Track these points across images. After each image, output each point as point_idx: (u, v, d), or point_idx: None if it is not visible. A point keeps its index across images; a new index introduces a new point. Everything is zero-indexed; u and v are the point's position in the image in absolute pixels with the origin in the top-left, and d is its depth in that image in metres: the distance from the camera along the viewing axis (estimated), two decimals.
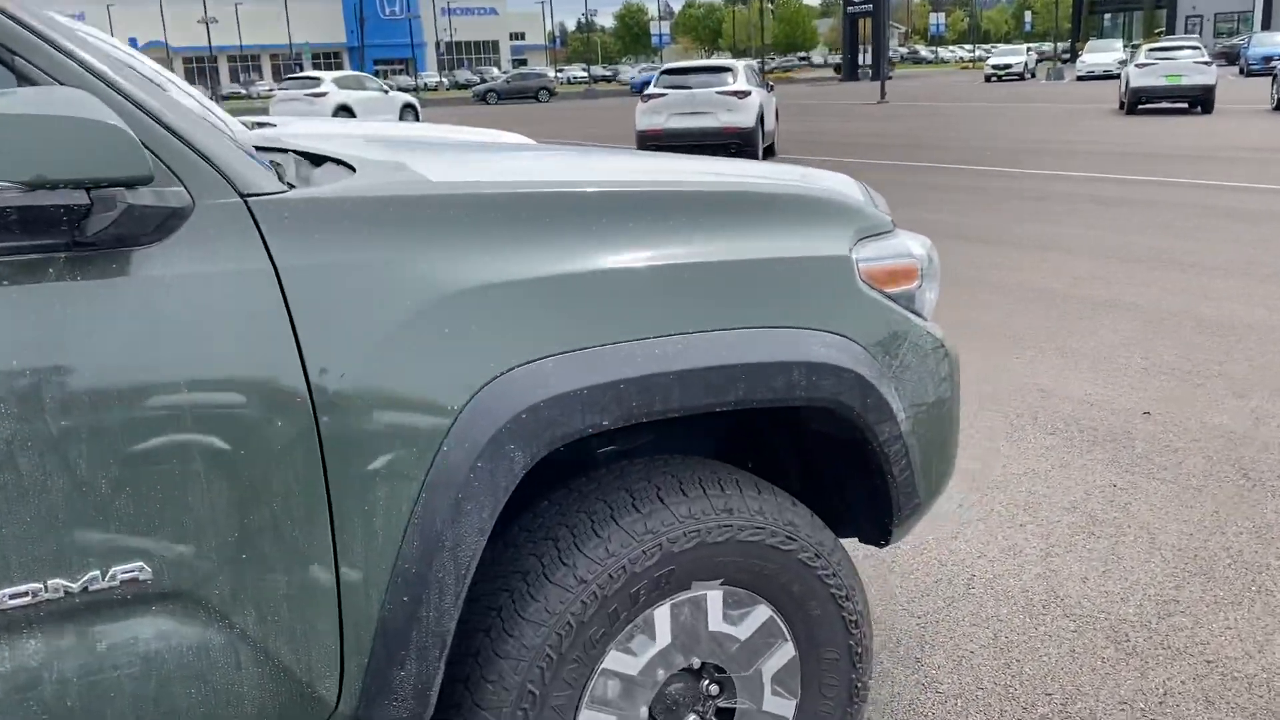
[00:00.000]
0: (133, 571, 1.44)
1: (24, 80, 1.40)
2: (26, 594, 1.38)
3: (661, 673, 1.91)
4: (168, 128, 1.48)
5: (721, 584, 1.91)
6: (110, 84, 1.45)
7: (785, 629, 2.01)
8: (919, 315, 2.12)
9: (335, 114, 26.57)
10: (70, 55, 1.43)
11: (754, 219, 1.92)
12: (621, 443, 2.12)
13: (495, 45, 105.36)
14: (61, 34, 1.46)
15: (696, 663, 1.95)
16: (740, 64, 17.12)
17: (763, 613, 1.98)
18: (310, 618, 1.56)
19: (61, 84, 1.40)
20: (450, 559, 1.61)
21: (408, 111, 29.28)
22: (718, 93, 15.88)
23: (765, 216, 1.94)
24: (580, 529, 1.81)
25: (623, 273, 1.74)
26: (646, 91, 16.72)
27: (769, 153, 18.04)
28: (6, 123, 1.25)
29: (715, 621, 1.93)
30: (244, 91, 73.54)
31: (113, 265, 1.41)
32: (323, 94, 26.98)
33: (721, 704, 2.01)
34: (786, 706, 2.05)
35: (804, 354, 1.87)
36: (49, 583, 1.39)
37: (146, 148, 1.44)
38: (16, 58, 1.40)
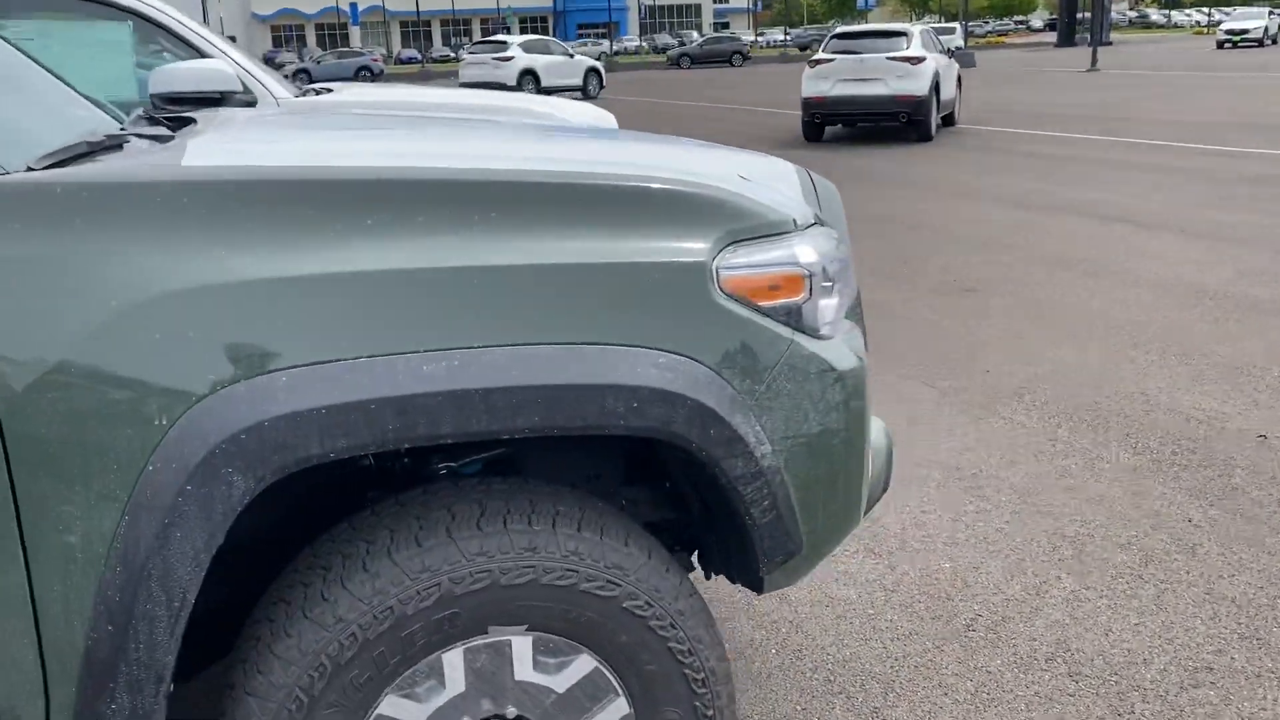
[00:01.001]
0: None
1: None
2: None
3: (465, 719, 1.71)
4: None
5: (528, 630, 1.69)
6: None
7: (616, 683, 1.77)
8: (806, 333, 1.81)
9: (520, 78, 27.12)
10: None
11: (579, 215, 1.66)
12: (466, 459, 1.92)
13: (697, 9, 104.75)
14: None
15: (512, 711, 1.74)
16: (916, 29, 16.26)
17: (586, 663, 1.74)
18: (6, 642, 1.44)
19: None
20: (160, 588, 1.46)
21: (591, 76, 29.47)
22: (888, 58, 15.11)
23: (594, 212, 1.67)
24: (351, 560, 1.62)
25: (393, 275, 1.53)
26: (814, 57, 16.13)
27: (948, 122, 17.12)
28: None
29: (523, 671, 1.71)
30: (453, 55, 75.97)
31: None
32: (509, 58, 27.51)
33: None
34: None
35: (622, 376, 1.61)
36: None
37: None
38: None
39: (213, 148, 1.76)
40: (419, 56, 68.65)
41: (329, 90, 4.90)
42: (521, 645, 1.70)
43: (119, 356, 1.42)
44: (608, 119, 5.03)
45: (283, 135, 1.98)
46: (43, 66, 2.53)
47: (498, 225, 1.61)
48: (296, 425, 1.46)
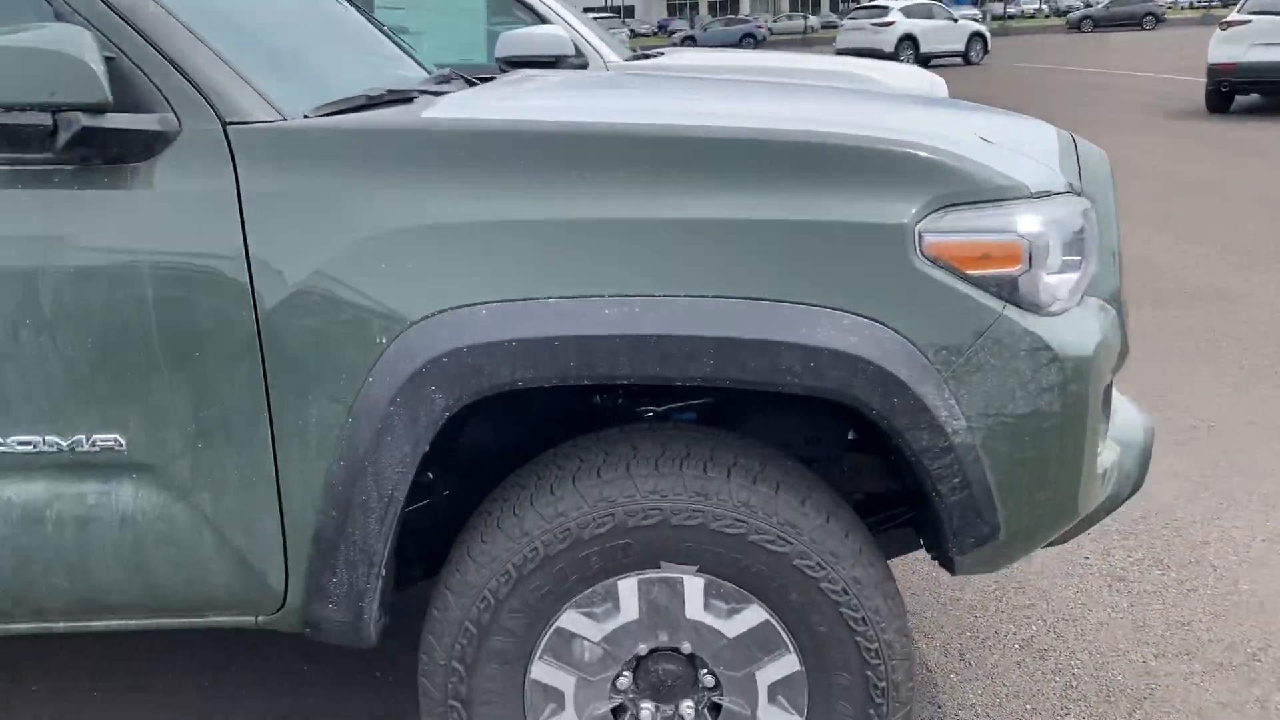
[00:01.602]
0: (110, 441, 1.70)
1: (59, 17, 1.67)
2: (30, 444, 1.70)
3: (639, 647, 1.81)
4: (168, 56, 1.67)
5: (699, 571, 1.75)
6: (127, 20, 1.66)
7: (787, 638, 1.79)
8: (1023, 306, 1.70)
9: (899, 44, 26.43)
10: None
11: (776, 172, 1.67)
12: (668, 404, 2.00)
13: None
14: None
15: (686, 647, 1.82)
16: None
17: (756, 614, 1.78)
18: (257, 513, 1.73)
19: (79, 19, 1.65)
20: (374, 484, 1.68)
21: (975, 41, 28.09)
22: None
23: (791, 170, 1.67)
24: (542, 483, 1.76)
25: (587, 223, 1.64)
26: (1227, 18, 14.35)
27: None
28: (24, 58, 1.51)
29: (694, 610, 1.78)
30: (839, 21, 75.18)
31: (104, 177, 1.65)
32: (888, 23, 26.85)
33: (716, 699, 1.85)
34: None
35: (800, 335, 1.62)
36: (46, 439, 1.70)
37: (148, 76, 1.65)
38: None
39: (470, 104, 1.95)
40: (805, 21, 68.69)
41: (660, 54, 5.11)
42: (693, 585, 1.77)
43: (353, 282, 1.63)
44: (937, 85, 4.84)
45: (550, 94, 2.15)
46: (379, 27, 2.89)
47: (694, 180, 1.66)
48: (490, 354, 1.61)
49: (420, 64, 2.91)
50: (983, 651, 2.63)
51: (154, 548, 1.75)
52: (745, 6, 76.65)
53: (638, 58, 4.95)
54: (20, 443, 1.70)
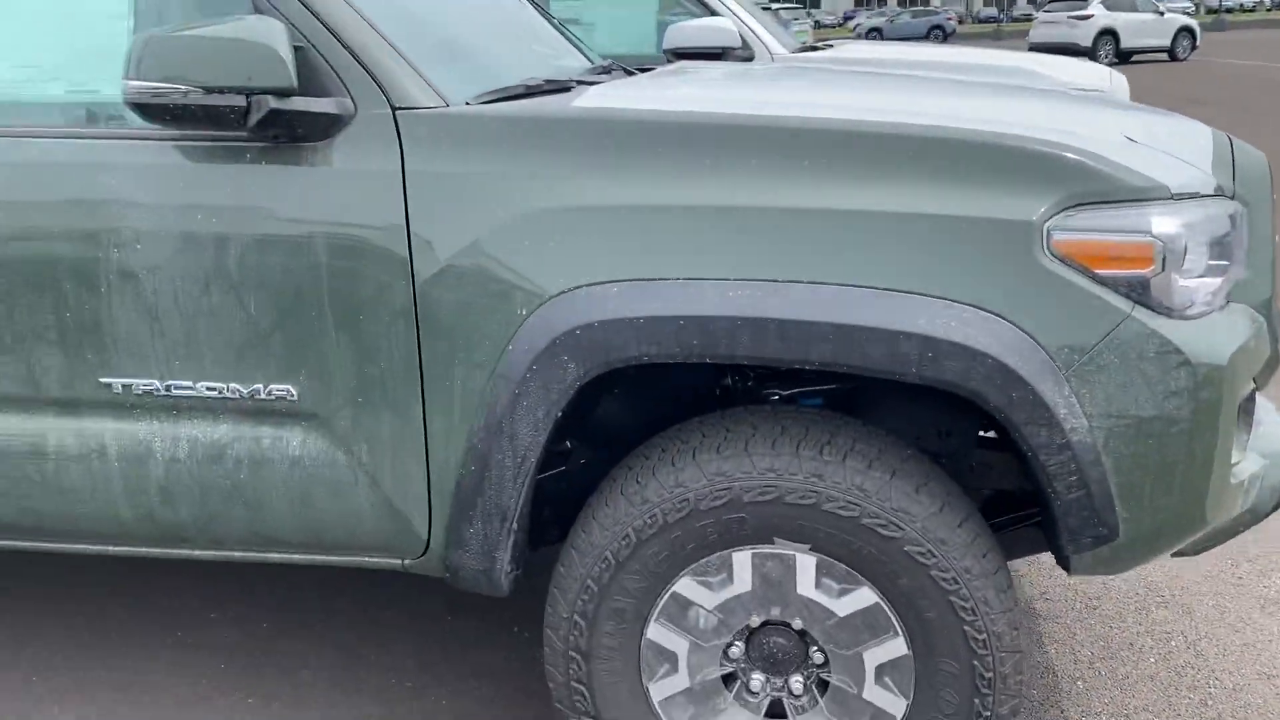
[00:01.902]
0: (284, 392, 1.90)
1: (257, 10, 1.87)
2: (216, 391, 1.92)
3: (751, 618, 1.89)
4: (348, 46, 1.84)
5: (811, 550, 1.81)
6: (315, 13, 1.85)
7: (896, 622, 1.83)
8: (1154, 309, 1.69)
9: (1097, 39, 25.21)
10: None
11: (906, 165, 1.71)
12: (789, 388, 2.06)
13: None
14: None
15: (798, 623, 1.89)
16: None
17: (866, 596, 1.83)
18: (406, 464, 1.90)
19: (274, 11, 1.84)
20: (509, 445, 1.82)
21: (1182, 36, 26.48)
22: None
23: (922, 164, 1.71)
24: (666, 455, 1.86)
25: (717, 210, 1.72)
26: None
27: None
28: (197, 44, 1.72)
29: (806, 587, 1.85)
30: (1036, 13, 72.03)
31: (288, 154, 1.84)
32: (1086, 16, 25.62)
33: (824, 676, 1.91)
34: (894, 704, 1.87)
35: (919, 325, 1.66)
36: (229, 386, 1.91)
37: (329, 64, 1.83)
38: None
39: (618, 94, 2.07)
40: (1000, 15, 66.10)
41: (829, 47, 5.11)
42: (805, 563, 1.83)
43: (500, 258, 1.77)
44: (1116, 82, 4.67)
45: (696, 85, 2.24)
46: (549, 19, 3.04)
47: (822, 171, 1.72)
48: (619, 329, 1.72)
49: (585, 54, 3.05)
50: (1115, 662, 2.58)
51: (317, 489, 1.94)
52: None
53: (805, 50, 4.98)
54: (208, 388, 1.92)
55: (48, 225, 1.88)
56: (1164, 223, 1.69)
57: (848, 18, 61.86)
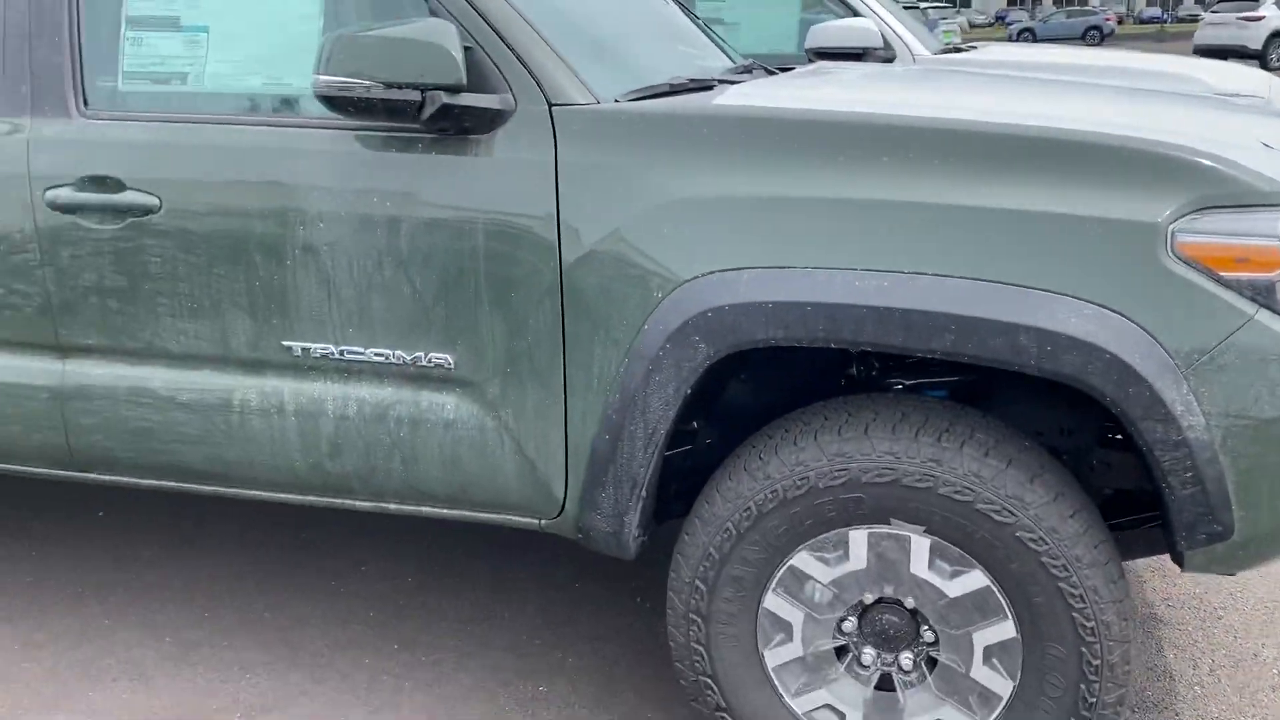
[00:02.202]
0: (442, 360, 2.09)
1: (432, 13, 2.05)
2: (383, 356, 2.12)
3: (865, 595, 1.99)
4: (512, 47, 2.01)
5: (926, 532, 1.90)
6: (484, 15, 2.02)
7: (1006, 606, 1.90)
8: (1277, 311, 1.72)
9: (1268, 41, 23.91)
10: None
11: (1034, 166, 1.78)
12: (913, 379, 2.14)
13: None
14: None
15: (910, 602, 1.98)
16: None
17: (978, 579, 1.91)
18: (547, 431, 2.06)
19: (447, 14, 2.02)
20: (641, 417, 1.96)
21: None
22: None
23: (1050, 165, 1.77)
24: (789, 435, 1.97)
25: (845, 203, 1.82)
26: None
27: None
28: (379, 43, 1.91)
29: (919, 567, 1.93)
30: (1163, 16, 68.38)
31: (455, 145, 2.02)
32: (1257, 18, 24.29)
33: (933, 654, 2.00)
34: (1002, 685, 1.94)
35: (1039, 319, 1.73)
36: (394, 353, 2.11)
37: (494, 63, 2.01)
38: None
39: (756, 93, 2.18)
40: (1163, 15, 63.05)
41: (973, 49, 5.08)
42: (919, 544, 1.92)
43: (640, 244, 1.92)
44: (1275, 88, 4.52)
45: (829, 85, 2.34)
46: (694, 19, 3.18)
47: (948, 169, 1.81)
48: (748, 312, 1.84)
49: (728, 54, 3.18)
50: (1235, 670, 2.57)
51: (466, 450, 2.12)
52: None
53: (947, 52, 4.98)
54: (376, 354, 2.12)
55: (244, 204, 2.11)
56: None
57: (999, 17, 60.12)
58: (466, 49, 1.99)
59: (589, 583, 3.00)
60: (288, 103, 2.17)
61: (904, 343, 1.80)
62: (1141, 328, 1.72)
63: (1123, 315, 1.72)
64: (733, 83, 2.41)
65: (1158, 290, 1.72)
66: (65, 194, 2.20)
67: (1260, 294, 1.72)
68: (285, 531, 3.31)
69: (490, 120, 2.01)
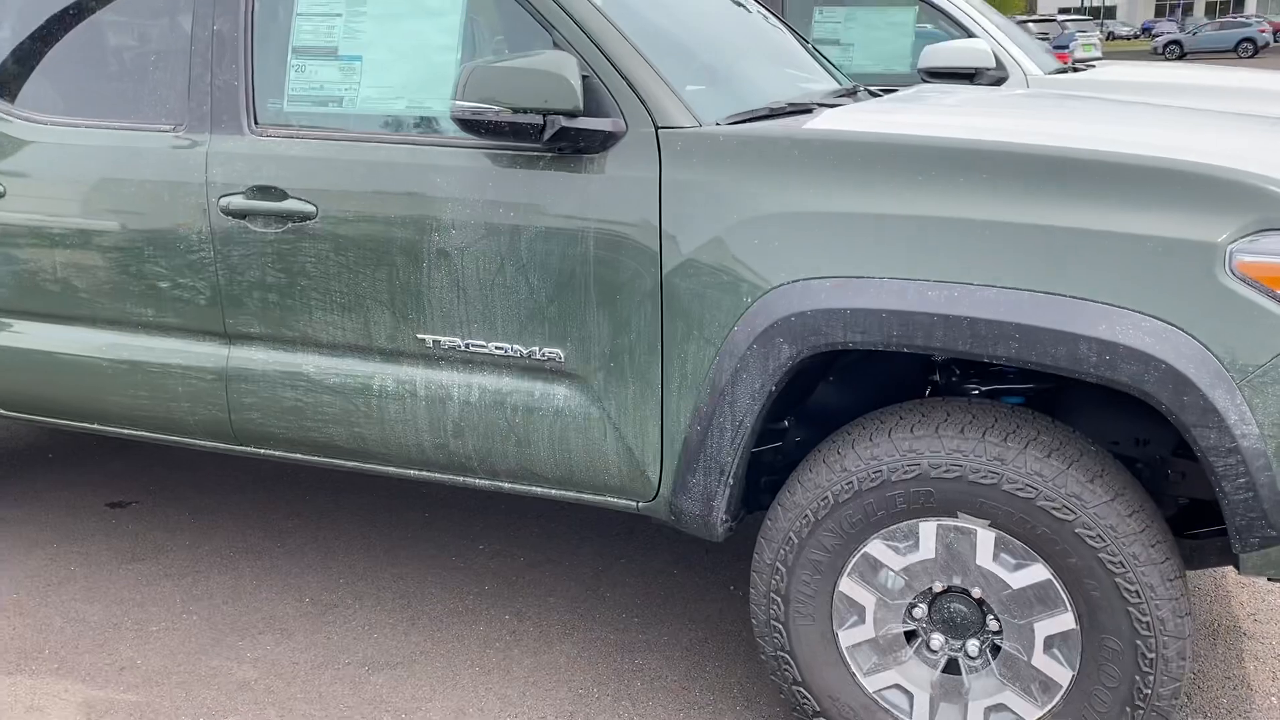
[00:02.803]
0: (554, 354, 2.34)
1: (556, 45, 2.30)
2: (503, 349, 2.38)
3: (934, 583, 2.14)
4: (624, 76, 2.24)
5: (990, 526, 2.05)
6: (600, 47, 2.26)
7: (1066, 598, 2.04)
8: None
9: None
10: (585, 29, 2.27)
11: (1097, 187, 1.91)
12: (991, 385, 2.29)
13: None
14: (588, 6, 2.30)
15: (976, 592, 2.12)
16: None
17: (1039, 572, 2.04)
18: (645, 420, 2.28)
19: (569, 48, 2.26)
20: (729, 410, 2.16)
21: None
22: None
23: (1114, 186, 1.91)
24: (865, 432, 2.15)
25: (918, 220, 1.99)
26: None
27: None
28: (508, 73, 2.17)
29: (984, 559, 2.08)
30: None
31: (571, 163, 2.26)
32: None
33: (997, 642, 2.14)
34: (1061, 673, 2.07)
35: (1098, 330, 1.87)
36: (513, 346, 2.37)
37: (608, 90, 2.24)
38: (555, 31, 2.31)
39: (848, 118, 2.36)
40: None
41: (1090, 67, 5.10)
42: (985, 537, 2.07)
43: (732, 254, 2.12)
44: None
45: (919, 110, 2.50)
46: (803, 43, 3.37)
47: (1020, 189, 1.96)
48: (828, 318, 2.03)
49: (835, 75, 3.36)
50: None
51: (574, 436, 2.36)
52: (1252, 4, 68.28)
53: (1065, 71, 5.02)
54: (497, 348, 2.38)
55: (388, 212, 2.40)
56: None
57: (1146, 28, 58.00)
58: (584, 77, 2.23)
59: (685, 570, 3.21)
60: (427, 123, 2.45)
61: (971, 349, 1.95)
62: (1198, 341, 1.84)
63: (1180, 329, 1.85)
64: (831, 106, 2.59)
65: (1215, 306, 1.84)
66: (237, 201, 2.53)
67: None
68: (413, 511, 3.62)
69: (603, 141, 2.25)
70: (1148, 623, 1.97)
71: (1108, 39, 57.58)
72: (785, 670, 2.28)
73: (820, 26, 4.99)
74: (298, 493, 3.79)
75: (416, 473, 2.60)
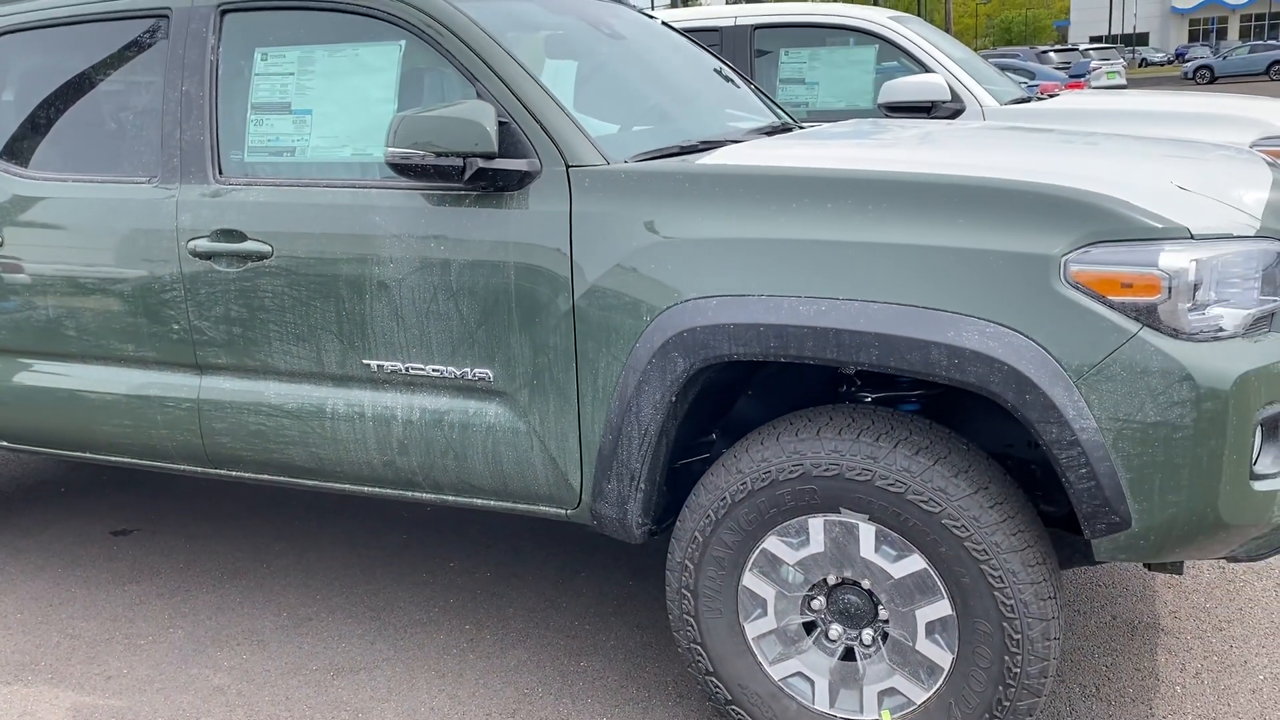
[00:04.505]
0: (484, 374, 2.56)
1: (479, 96, 2.55)
2: (439, 371, 2.61)
3: (827, 576, 2.32)
4: (539, 121, 2.48)
5: (870, 520, 2.23)
6: (517, 95, 2.50)
7: (941, 586, 2.21)
8: (1162, 331, 1.99)
9: None
10: (502, 78, 2.52)
11: (946, 208, 2.11)
12: (875, 392, 2.48)
13: None
14: (507, 59, 2.55)
15: (866, 583, 2.30)
16: None
17: (916, 562, 2.22)
18: (566, 432, 2.49)
19: (489, 97, 2.51)
20: (635, 420, 2.37)
21: None
22: None
23: (959, 207, 2.10)
24: (759, 436, 2.34)
25: (793, 242, 2.20)
26: None
27: None
28: (432, 121, 2.40)
29: (868, 551, 2.26)
30: None
31: (494, 200, 2.50)
32: None
33: (887, 630, 2.31)
34: (943, 656, 2.24)
35: (948, 337, 2.05)
36: (447, 368, 2.59)
37: (525, 134, 2.48)
38: (478, 83, 2.55)
39: (745, 153, 2.57)
40: None
41: (1053, 96, 5.28)
42: (866, 530, 2.25)
43: (633, 276, 2.34)
44: None
45: (810, 144, 2.70)
46: (748, 82, 3.60)
47: (877, 213, 2.16)
48: (714, 333, 2.23)
49: (777, 113, 3.58)
50: (1221, 674, 2.74)
51: (505, 449, 2.58)
52: None
53: (1023, 100, 5.20)
54: (433, 369, 2.61)
55: (334, 250, 2.64)
56: (1173, 259, 1.99)
57: (1179, 54, 57.77)
58: (503, 123, 2.47)
59: (641, 582, 3.39)
60: (368, 169, 2.70)
61: (838, 357, 2.15)
62: (1038, 344, 2.02)
63: (1021, 333, 2.03)
64: (743, 141, 2.81)
65: (1052, 312, 2.02)
66: (203, 244, 2.80)
67: (1142, 315, 2.00)
68: (391, 534, 3.84)
69: (520, 179, 2.48)
70: (1012, 605, 2.14)
71: (1140, 65, 57.39)
72: (699, 661, 2.46)
73: (786, 67, 5.23)
74: (286, 519, 4.03)
75: (370, 489, 2.82)
